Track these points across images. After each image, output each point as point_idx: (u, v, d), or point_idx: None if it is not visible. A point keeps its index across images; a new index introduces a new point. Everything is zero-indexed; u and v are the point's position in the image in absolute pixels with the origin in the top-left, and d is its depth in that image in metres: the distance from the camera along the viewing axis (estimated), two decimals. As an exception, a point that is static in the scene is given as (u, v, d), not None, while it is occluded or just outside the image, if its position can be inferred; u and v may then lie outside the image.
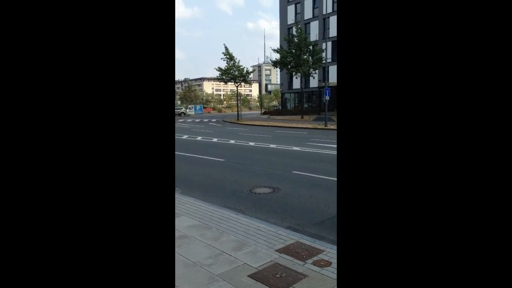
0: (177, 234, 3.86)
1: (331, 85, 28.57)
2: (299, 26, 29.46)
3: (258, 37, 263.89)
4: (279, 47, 29.23)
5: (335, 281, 2.78)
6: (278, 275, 2.89)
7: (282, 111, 38.08)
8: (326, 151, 10.63)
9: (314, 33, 33.62)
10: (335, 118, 24.93)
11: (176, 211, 4.68)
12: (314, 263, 3.10)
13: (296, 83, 34.20)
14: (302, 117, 28.33)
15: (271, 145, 12.46)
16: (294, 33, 28.68)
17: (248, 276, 2.88)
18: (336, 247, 3.49)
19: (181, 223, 4.18)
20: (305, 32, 31.61)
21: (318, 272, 2.93)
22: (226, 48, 29.21)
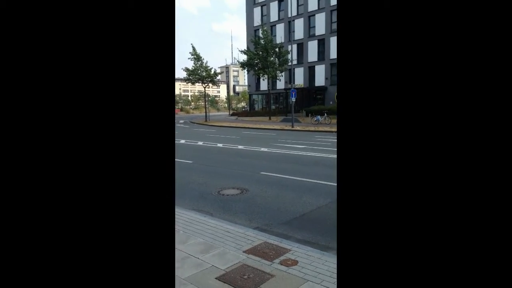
0: (142, 239, 3.76)
1: (297, 86, 29.12)
2: (265, 28, 29.73)
3: (225, 38, 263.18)
4: (246, 49, 29.34)
5: (301, 279, 2.85)
6: (245, 276, 2.91)
7: (250, 112, 38.21)
8: (294, 152, 10.82)
9: (280, 35, 34.10)
10: (301, 120, 25.45)
11: (141, 215, 4.56)
12: (281, 263, 3.15)
13: (264, 85, 34.52)
14: (269, 118, 28.61)
15: (239, 146, 12.48)
16: (261, 35, 28.91)
17: (215, 278, 2.87)
18: (302, 246, 3.58)
19: (146, 228, 4.08)
20: (271, 34, 31.98)
21: (285, 272, 2.99)
22: (194, 48, 28.88)
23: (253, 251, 3.42)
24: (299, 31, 33.35)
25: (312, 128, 19.76)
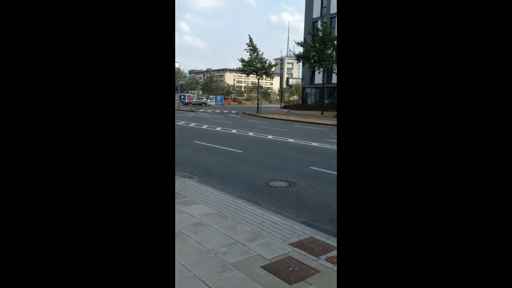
0: (193, 221, 3.94)
1: (354, 81, 27.95)
2: (325, 20, 28.93)
3: (281, 30, 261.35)
4: (302, 41, 28.87)
5: (348, 278, 2.78)
6: (291, 269, 2.91)
7: (302, 106, 37.76)
8: (345, 149, 10.49)
9: (339, 28, 32.99)
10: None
11: (193, 198, 4.78)
12: (327, 259, 3.10)
13: (318, 78, 33.76)
14: (322, 113, 28.01)
15: (289, 139, 12.42)
16: (319, 27, 28.20)
17: (261, 267, 2.92)
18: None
19: (198, 211, 4.27)
20: (330, 26, 31.02)
21: (331, 269, 2.94)
22: (251, 39, 29.08)
23: (299, 244, 3.40)
24: (359, 24, 31.92)
25: (367, 126, 18.92)
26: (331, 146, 11.08)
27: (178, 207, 4.42)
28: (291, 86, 64.94)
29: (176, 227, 3.76)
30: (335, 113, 27.80)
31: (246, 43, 29.04)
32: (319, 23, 29.10)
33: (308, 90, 39.32)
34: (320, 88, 32.78)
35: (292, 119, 23.11)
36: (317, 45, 27.05)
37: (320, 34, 26.98)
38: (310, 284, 2.68)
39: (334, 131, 16.45)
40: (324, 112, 28.47)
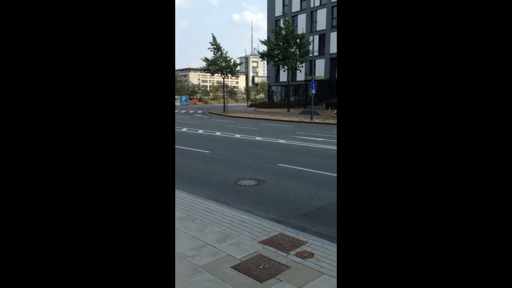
0: (160, 225, 3.83)
1: (317, 78, 28.66)
2: (287, 18, 29.31)
3: (244, 29, 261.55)
4: (266, 39, 29.07)
5: (317, 272, 2.83)
6: (261, 267, 2.91)
7: (268, 103, 38.06)
8: (312, 145, 10.72)
9: (301, 26, 33.54)
10: (321, 112, 25.11)
11: (160, 202, 4.64)
12: (297, 255, 3.14)
13: (283, 76, 34.17)
14: (288, 110, 28.40)
15: (257, 138, 12.47)
16: (282, 25, 28.53)
17: (231, 267, 2.90)
18: (319, 239, 3.55)
19: (165, 215, 4.15)
20: (293, 24, 31.50)
21: (301, 264, 2.98)
22: (214, 38, 28.82)
23: (269, 242, 3.42)
24: (321, 22, 32.69)
25: (332, 121, 19.49)
26: (299, 142, 11.27)
27: (144, 212, 4.27)
28: (257, 85, 65.24)
29: (142, 233, 3.63)
30: (301, 110, 28.33)
31: (210, 42, 28.77)
32: (282, 21, 29.44)
33: (274, 88, 39.71)
34: (286, 85, 33.21)
35: (259, 117, 23.23)
36: (281, 43, 27.35)
37: (283, 33, 27.31)
38: (281, 281, 2.70)
39: (300, 127, 16.75)
40: (290, 109, 28.90)
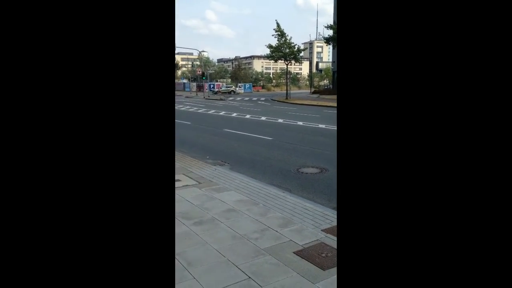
0: (226, 207, 4.01)
1: (387, 63, 26.79)
2: None
3: (309, 13, 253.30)
4: (332, 23, 27.95)
5: (383, 265, 2.72)
6: (323, 254, 2.89)
7: (332, 90, 36.82)
8: (379, 133, 10.16)
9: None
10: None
11: (225, 185, 4.85)
12: (361, 246, 3.04)
13: (349, 61, 32.59)
14: (353, 97, 27.17)
15: (320, 125, 12.21)
16: (350, 7, 27.07)
17: (293, 252, 2.92)
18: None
19: (230, 197, 4.33)
20: (362, 6, 29.70)
21: (366, 255, 2.88)
22: (278, 25, 28.58)
23: (332, 231, 3.36)
24: (393, 1, 30.30)
25: (402, 109, 18.19)
26: (364, 130, 10.76)
27: (210, 194, 4.50)
28: (321, 71, 63.43)
29: (209, 213, 3.84)
30: (367, 96, 26.86)
31: (274, 29, 28.61)
32: (349, 3, 27.91)
33: (338, 74, 38.22)
34: (351, 71, 31.68)
35: (323, 105, 22.67)
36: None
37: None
38: (344, 271, 2.65)
39: (366, 115, 15.93)
40: (356, 96, 27.59)
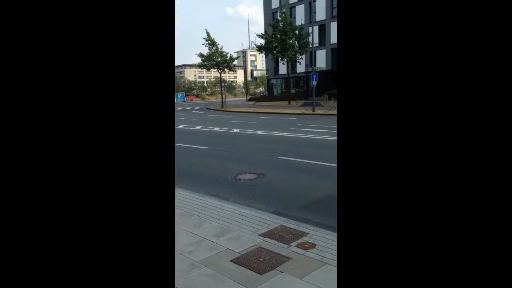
0: (158, 222, 3.76)
1: (318, 69, 28.42)
2: (284, 10, 29.02)
3: (239, 23, 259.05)
4: (263, 32, 28.81)
5: (319, 262, 2.76)
6: (261, 259, 2.85)
7: (268, 97, 37.86)
8: (314, 136, 10.62)
9: (300, 17, 33.15)
10: (323, 103, 24.92)
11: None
12: (298, 246, 3.07)
13: (283, 69, 33.93)
14: (289, 103, 28.24)
15: (257, 132, 12.38)
16: (279, 17, 28.24)
17: (230, 261, 2.83)
18: (320, 229, 3.47)
19: (163, 211, 4.09)
20: (291, 16, 31.19)
21: (302, 255, 2.90)
22: (208, 34, 28.55)
23: (270, 234, 3.35)
24: (321, 12, 32.27)
25: (334, 112, 19.36)
26: (300, 134, 11.18)
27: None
28: (256, 78, 64.87)
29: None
30: (302, 102, 28.15)
31: (204, 38, 28.53)
32: (279, 13, 29.14)
33: (273, 81, 39.46)
34: (285, 78, 33.01)
35: (259, 111, 23.11)
36: (278, 35, 27.09)
37: (281, 25, 27.04)
38: (281, 272, 2.63)
39: (301, 120, 16.64)
40: (291, 101, 28.73)
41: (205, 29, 45.96)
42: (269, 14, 35.92)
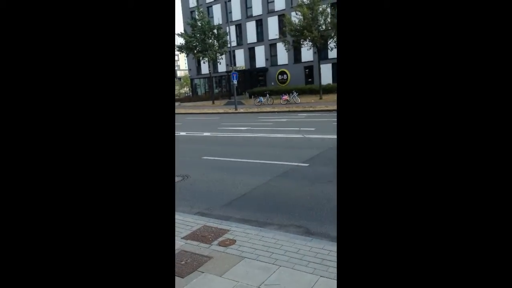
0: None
1: (238, 69, 28.91)
2: (201, 9, 28.80)
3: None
4: (182, 32, 28.24)
5: (238, 257, 2.89)
6: (183, 262, 2.87)
7: (193, 97, 37.24)
8: (236, 134, 10.84)
9: (217, 17, 33.26)
10: (245, 102, 25.47)
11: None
12: (219, 244, 3.17)
13: (205, 68, 33.75)
14: (213, 102, 28.23)
15: (181, 133, 12.17)
16: (197, 16, 27.96)
17: (151, 268, 2.79)
18: (241, 225, 3.63)
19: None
20: (208, 15, 31.10)
21: (223, 252, 3.01)
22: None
23: (192, 236, 3.38)
24: (236, 12, 32.85)
25: (256, 110, 19.94)
26: (223, 133, 11.30)
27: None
28: (180, 78, 63.29)
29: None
30: (225, 101, 28.36)
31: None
32: (196, 12, 28.84)
33: (196, 81, 38.95)
34: (208, 78, 32.86)
35: (184, 112, 22.66)
36: (197, 35, 26.83)
37: (199, 24, 26.81)
38: (202, 272, 2.70)
39: (225, 118, 16.80)
40: (215, 101, 28.75)
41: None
42: (187, 12, 35.31)
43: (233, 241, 3.20)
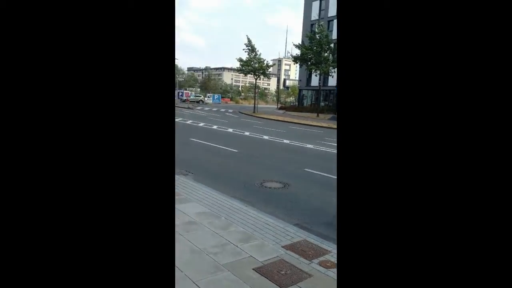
0: (186, 219, 3.89)
1: (350, 85, 27.98)
2: (321, 23, 28.99)
3: (279, 32, 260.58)
4: (300, 43, 28.89)
5: (340, 283, 2.76)
6: (283, 272, 2.88)
7: (298, 107, 37.75)
8: (340, 152, 10.50)
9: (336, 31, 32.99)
10: (351, 119, 24.50)
11: (187, 196, 4.73)
12: (320, 263, 3.08)
13: (315, 81, 33.79)
14: (317, 115, 28.06)
15: (285, 141, 12.41)
16: (316, 29, 28.25)
17: (253, 269, 2.89)
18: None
19: (191, 209, 4.22)
20: (328, 29, 31.08)
21: (324, 273, 2.91)
22: (249, 40, 29.04)
23: (292, 247, 3.38)
24: (358, 28, 32.00)
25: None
26: (326, 148, 11.10)
27: (170, 205, 4.36)
28: (287, 88, 64.90)
29: (168, 225, 3.71)
30: (330, 115, 27.88)
31: (245, 43, 28.98)
32: (316, 25, 29.14)
33: (304, 92, 39.37)
34: (317, 90, 32.86)
35: (288, 120, 23.11)
36: (314, 47, 27.08)
37: (318, 37, 27.02)
38: (302, 288, 2.66)
39: (329, 133, 16.48)
40: (320, 114, 28.53)
41: (247, 35, 46.64)
42: (308, 25, 35.96)
43: (334, 264, 3.07)
